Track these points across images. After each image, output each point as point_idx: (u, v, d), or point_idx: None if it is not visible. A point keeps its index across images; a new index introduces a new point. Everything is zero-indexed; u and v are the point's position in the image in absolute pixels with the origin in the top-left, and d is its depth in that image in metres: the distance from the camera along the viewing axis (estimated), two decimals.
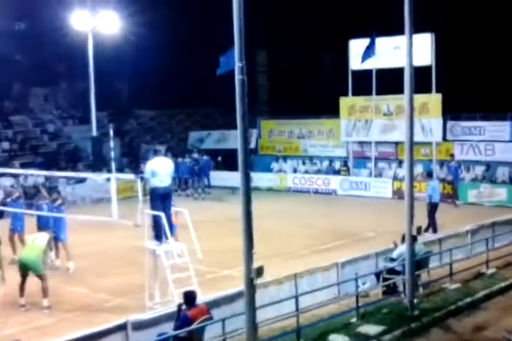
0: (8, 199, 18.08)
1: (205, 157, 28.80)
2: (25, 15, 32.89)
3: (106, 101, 31.98)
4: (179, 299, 10.89)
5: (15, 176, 25.57)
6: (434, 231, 17.88)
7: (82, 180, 26.84)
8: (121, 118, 35.71)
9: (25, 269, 12.98)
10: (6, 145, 29.85)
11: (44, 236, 13.59)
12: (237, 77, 8.62)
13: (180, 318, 9.84)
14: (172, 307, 10.52)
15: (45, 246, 13.37)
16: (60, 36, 29.47)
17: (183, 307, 10.00)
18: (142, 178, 13.04)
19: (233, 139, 30.91)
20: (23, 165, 27.98)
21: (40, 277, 12.94)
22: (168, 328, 9.91)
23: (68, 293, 13.76)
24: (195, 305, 9.94)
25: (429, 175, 20.27)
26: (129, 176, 17.51)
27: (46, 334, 11.02)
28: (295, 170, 29.85)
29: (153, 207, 12.53)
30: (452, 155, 25.27)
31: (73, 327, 11.24)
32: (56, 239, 15.81)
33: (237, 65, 8.60)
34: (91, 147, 29.71)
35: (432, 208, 18.56)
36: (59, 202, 16.45)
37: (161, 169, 12.67)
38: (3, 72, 32.13)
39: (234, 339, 9.99)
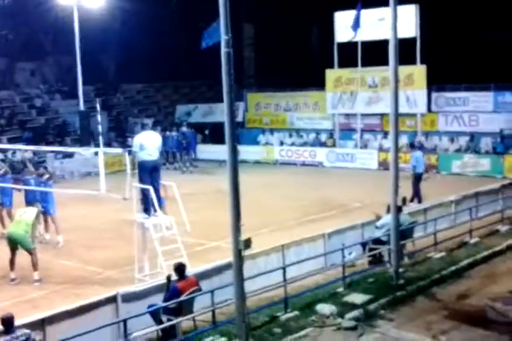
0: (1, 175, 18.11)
1: (190, 130, 28.81)
2: None
3: (93, 75, 31.77)
4: (168, 271, 11.08)
5: (3, 151, 25.56)
6: (419, 201, 18.10)
7: (70, 155, 26.87)
8: (108, 93, 35.58)
9: (13, 244, 13.11)
10: None
11: (32, 211, 13.68)
12: (223, 50, 8.64)
13: (169, 290, 10.03)
14: (161, 280, 10.70)
15: (33, 220, 13.46)
16: (45, 10, 29.19)
17: (173, 278, 10.21)
18: (130, 152, 13.12)
19: (220, 112, 30.55)
20: (10, 140, 27.92)
21: (29, 251, 13.07)
22: (158, 300, 10.10)
23: (58, 266, 13.91)
24: (185, 277, 10.14)
25: (412, 146, 20.41)
26: (117, 150, 17.57)
27: (37, 307, 11.20)
28: (282, 143, 29.97)
29: (142, 181, 12.62)
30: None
31: (64, 299, 11.45)
32: (45, 213, 15.92)
33: (223, 37, 8.62)
34: (78, 121, 29.62)
35: (416, 179, 18.67)
36: (46, 176, 16.50)
37: (149, 143, 12.74)
38: None
39: (223, 309, 10.19)
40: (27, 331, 8.34)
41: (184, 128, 28.72)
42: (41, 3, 28.98)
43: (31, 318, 9.18)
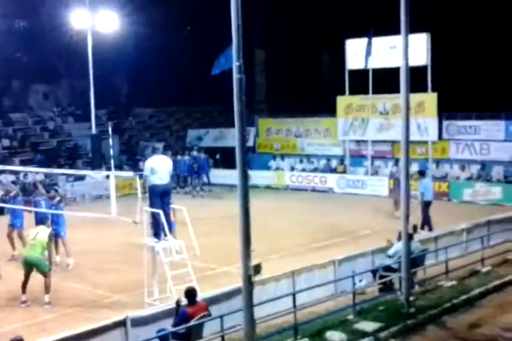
0: (7, 197, 18.22)
1: (203, 155, 28.93)
2: (26, 13, 32.98)
3: (105, 99, 32.14)
4: (177, 295, 11.06)
5: (15, 173, 25.72)
6: (430, 229, 17.99)
7: (81, 178, 26.99)
8: (120, 116, 35.86)
9: (29, 267, 13.09)
10: (6, 142, 29.95)
11: (45, 231, 13.66)
12: (235, 76, 8.72)
13: (179, 315, 9.99)
14: (171, 304, 10.67)
15: (48, 241, 13.47)
16: (59, 34, 29.61)
17: (182, 303, 10.17)
18: (141, 176, 13.20)
19: (231, 137, 30.91)
20: (23, 162, 28.10)
21: (45, 274, 13.07)
22: (167, 325, 10.06)
23: (68, 289, 13.89)
24: (195, 302, 10.10)
25: (421, 173, 20.36)
26: (128, 173, 17.65)
27: (47, 330, 11.18)
28: (292, 168, 30.02)
29: (152, 205, 12.67)
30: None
31: (73, 323, 11.42)
32: (56, 236, 15.96)
33: (235, 63, 8.71)
34: (90, 144, 29.85)
35: (425, 206, 18.50)
36: (57, 199, 16.58)
37: (160, 167, 12.81)
38: (3, 69, 32.27)
39: (232, 335, 10.12)
40: None
41: (195, 153, 28.85)
42: (56, 27, 29.42)
43: None
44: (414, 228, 14.85)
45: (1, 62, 32.13)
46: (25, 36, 33.35)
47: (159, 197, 12.77)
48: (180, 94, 35.63)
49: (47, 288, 12.94)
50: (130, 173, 16.66)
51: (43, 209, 16.18)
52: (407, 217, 12.11)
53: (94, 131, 29.17)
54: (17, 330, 10.76)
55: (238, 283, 9.84)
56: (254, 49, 37.00)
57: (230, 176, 25.44)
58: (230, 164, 28.71)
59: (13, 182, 24.75)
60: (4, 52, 32.20)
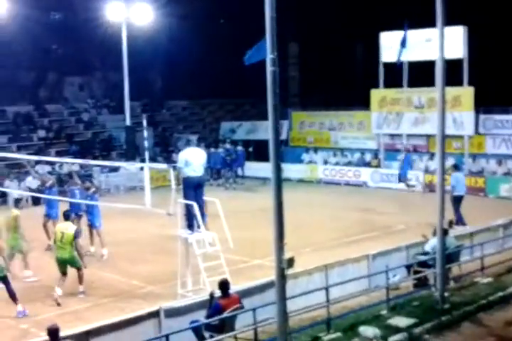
0: (43, 187, 18.50)
1: (239, 147, 28.96)
2: (61, 5, 33.27)
3: (139, 91, 32.32)
4: (210, 287, 11.11)
5: (50, 164, 26.06)
6: (463, 223, 17.66)
7: (115, 169, 27.22)
8: (154, 108, 36.06)
9: (63, 265, 13.12)
10: (42, 133, 30.32)
11: (70, 229, 13.31)
12: (269, 68, 8.68)
13: (212, 307, 10.03)
14: (204, 296, 10.72)
15: (74, 238, 13.18)
16: (94, 26, 29.80)
17: (215, 295, 10.21)
18: (174, 167, 13.23)
19: (264, 130, 30.94)
20: (58, 153, 28.42)
21: (78, 269, 13.20)
22: (200, 316, 10.11)
23: (102, 279, 14.05)
24: (228, 295, 10.13)
25: (455, 167, 19.99)
26: (162, 166, 17.73)
27: (81, 319, 11.32)
28: (325, 162, 29.88)
29: (186, 197, 12.70)
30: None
31: (107, 312, 11.55)
32: (91, 226, 16.14)
33: (269, 56, 8.66)
34: (125, 136, 30.10)
35: (456, 200, 18.02)
36: (92, 190, 16.76)
37: (193, 159, 12.83)
38: (39, 61, 32.69)
39: (265, 328, 10.13)
40: None
41: (228, 145, 28.89)
42: (91, 19, 29.63)
43: (76, 330, 9.28)
44: (450, 223, 14.67)
45: (37, 54, 32.56)
46: (60, 28, 33.64)
47: (193, 189, 12.81)
48: (213, 86, 35.64)
49: (80, 278, 13.07)
50: (164, 165, 16.74)
51: (78, 200, 16.38)
52: (442, 211, 11.96)
53: (128, 122, 29.40)
54: (52, 319, 10.93)
55: (271, 276, 9.83)
56: (287, 42, 36.83)
57: (263, 169, 25.50)
58: (262, 157, 28.68)
59: (49, 173, 25.16)
60: (40, 44, 32.61)
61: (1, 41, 28.51)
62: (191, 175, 12.75)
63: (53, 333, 8.44)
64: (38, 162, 25.28)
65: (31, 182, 24.11)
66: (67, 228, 13.35)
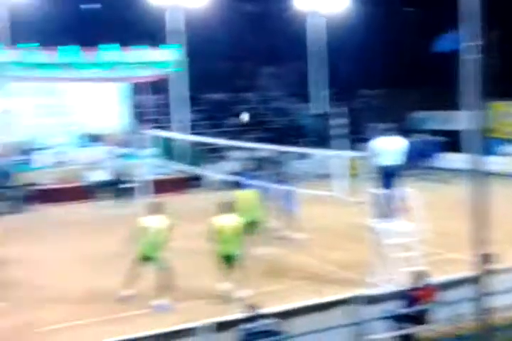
0: (240, 172, 19.31)
1: (433, 138, 28.24)
2: None
3: (330, 79, 32.53)
4: (403, 278, 10.98)
5: (246, 150, 27.12)
6: None
7: (306, 156, 27.67)
8: (344, 97, 36.07)
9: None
10: (237, 121, 31.61)
11: (163, 222, 11.93)
12: (469, 56, 8.38)
13: (406, 298, 9.94)
14: (397, 286, 10.64)
15: (168, 231, 11.95)
16: (286, 16, 30.45)
17: (409, 287, 10.09)
18: (367, 156, 13.18)
19: (459, 120, 29.87)
20: (252, 140, 29.44)
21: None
22: (393, 306, 10.05)
23: (297, 262, 14.34)
24: (423, 286, 9.97)
25: None
26: (354, 154, 17.74)
27: (278, 300, 11.57)
28: None
29: (379, 186, 12.63)
30: None
31: (302, 294, 11.73)
32: (287, 211, 16.58)
33: (469, 43, 8.35)
34: (315, 124, 30.51)
35: None
36: (284, 176, 17.19)
37: (386, 148, 12.71)
38: (235, 52, 34.06)
39: (462, 323, 9.84)
40: (270, 321, 8.74)
41: (420, 136, 28.22)
42: (283, 10, 30.28)
43: (273, 309, 9.61)
44: None
45: (233, 45, 33.95)
46: (253, 19, 34.75)
47: (385, 178, 12.69)
48: (406, 74, 34.92)
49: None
50: (356, 153, 16.74)
51: (273, 185, 16.87)
52: None
53: (318, 111, 29.72)
54: (252, 298, 11.38)
55: (467, 270, 9.51)
56: (486, 27, 35.05)
57: (457, 160, 24.60)
58: (456, 148, 27.67)
59: (246, 159, 26.19)
60: (236, 35, 33.92)
61: (201, 33, 30.07)
62: (383, 164, 12.65)
63: (253, 311, 8.79)
64: (233, 148, 26.36)
65: (228, 165, 25.18)
66: (161, 223, 11.98)
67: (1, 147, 22.04)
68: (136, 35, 26.34)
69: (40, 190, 21.74)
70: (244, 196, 15.23)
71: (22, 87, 23.59)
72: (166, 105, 29.01)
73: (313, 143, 29.82)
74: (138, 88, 26.17)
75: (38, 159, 23.12)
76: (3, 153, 21.91)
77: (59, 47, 22.94)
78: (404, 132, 30.37)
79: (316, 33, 28.33)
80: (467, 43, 8.34)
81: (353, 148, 28.87)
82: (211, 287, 12.02)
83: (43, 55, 22.01)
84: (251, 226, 14.28)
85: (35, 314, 11.41)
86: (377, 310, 10.17)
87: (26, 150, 23.44)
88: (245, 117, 15.95)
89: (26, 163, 23.20)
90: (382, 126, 29.73)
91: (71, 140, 24.65)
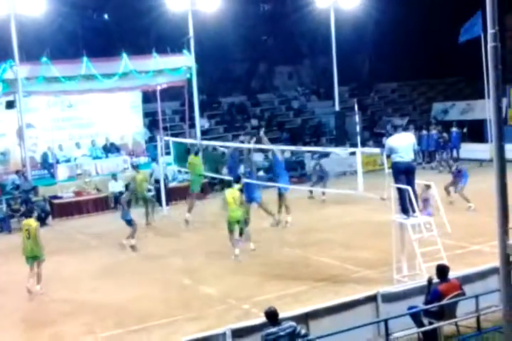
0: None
1: (454, 129, 27.85)
2: None
3: (347, 76, 32.34)
4: (427, 273, 10.83)
5: (263, 151, 26.98)
6: None
7: (325, 155, 27.49)
8: (362, 92, 35.89)
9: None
10: (254, 122, 31.51)
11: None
12: (490, 44, 8.17)
13: (430, 292, 9.76)
14: (421, 281, 10.48)
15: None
16: (302, 15, 30.30)
17: (434, 281, 9.92)
18: (384, 152, 13.04)
19: (479, 110, 29.45)
20: (270, 141, 29.31)
21: None
22: (418, 302, 9.89)
23: (317, 263, 14.24)
24: (447, 280, 9.79)
25: None
26: (374, 150, 17.59)
27: (300, 301, 11.54)
28: None
29: (397, 181, 12.49)
30: None
31: (323, 295, 11.71)
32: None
33: (490, 31, 8.15)
34: (334, 122, 30.34)
35: None
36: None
37: (401, 145, 12.53)
38: (251, 52, 34.04)
39: (487, 316, 9.66)
40: (293, 323, 8.61)
41: (440, 127, 27.90)
42: (298, 8, 30.13)
43: (296, 312, 9.52)
44: None
45: (249, 46, 33.91)
46: (269, 19, 34.69)
47: (403, 174, 12.54)
48: (422, 66, 34.61)
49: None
50: (376, 150, 16.60)
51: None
52: None
53: (337, 108, 29.57)
54: (271, 300, 11.35)
55: (492, 262, 9.35)
56: (505, 14, 34.60)
57: (478, 150, 24.29)
58: (477, 137, 27.31)
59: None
60: (252, 36, 33.91)
61: (215, 36, 30.05)
62: (399, 160, 12.50)
63: (272, 315, 8.64)
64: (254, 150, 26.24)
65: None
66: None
67: (26, 161, 22.25)
68: (150, 43, 26.46)
69: (63, 203, 21.89)
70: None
71: (41, 100, 23.73)
72: (183, 111, 29.05)
73: (334, 141, 29.69)
74: (153, 95, 26.23)
75: (60, 172, 23.29)
76: (27, 168, 22.11)
77: (73, 59, 23.07)
78: (426, 124, 30.26)
79: (335, 30, 28.17)
80: (490, 31, 8.15)
81: (374, 143, 28.75)
82: None
83: (58, 69, 22.10)
84: None
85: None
86: (401, 306, 10.01)
87: (49, 164, 23.64)
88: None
89: (49, 176, 23.39)
90: (398, 120, 29.64)
91: (91, 151, 24.81)
